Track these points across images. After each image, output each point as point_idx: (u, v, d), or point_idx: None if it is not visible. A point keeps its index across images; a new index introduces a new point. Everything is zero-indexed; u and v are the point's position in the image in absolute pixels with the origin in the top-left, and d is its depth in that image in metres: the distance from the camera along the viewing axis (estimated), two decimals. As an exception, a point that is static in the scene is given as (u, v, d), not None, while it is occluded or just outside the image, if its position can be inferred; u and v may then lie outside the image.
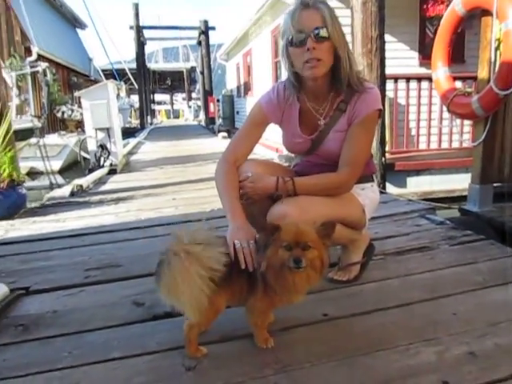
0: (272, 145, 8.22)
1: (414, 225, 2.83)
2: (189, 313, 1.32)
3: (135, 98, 23.86)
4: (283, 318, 1.64)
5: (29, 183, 4.75)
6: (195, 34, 21.86)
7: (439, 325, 1.58)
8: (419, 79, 5.83)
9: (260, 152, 8.11)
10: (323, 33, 1.63)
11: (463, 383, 1.26)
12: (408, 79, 5.83)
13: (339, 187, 1.79)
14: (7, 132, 3.87)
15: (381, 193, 2.08)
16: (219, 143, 10.80)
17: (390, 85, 5.40)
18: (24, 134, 6.94)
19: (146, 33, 22.03)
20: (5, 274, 2.33)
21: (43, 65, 10.63)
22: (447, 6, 4.60)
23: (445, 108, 3.54)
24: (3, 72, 4.78)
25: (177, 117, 37.10)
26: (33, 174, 8.42)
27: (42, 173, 8.35)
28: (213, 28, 21.21)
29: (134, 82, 22.29)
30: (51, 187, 6.44)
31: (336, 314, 1.70)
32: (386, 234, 2.64)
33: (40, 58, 12.50)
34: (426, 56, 6.70)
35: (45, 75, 10.44)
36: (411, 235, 2.62)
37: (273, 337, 1.50)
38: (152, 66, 31.43)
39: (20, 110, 9.82)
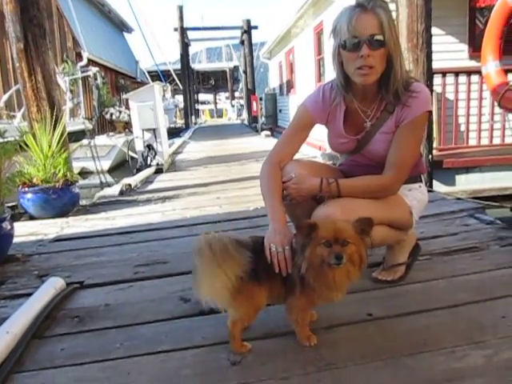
0: (315, 143, 8.16)
1: (462, 224, 2.74)
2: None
3: (180, 98, 24.40)
4: (327, 316, 1.66)
5: (80, 182, 4.97)
6: (238, 33, 22.05)
7: (487, 328, 1.54)
8: (469, 73, 5.60)
9: (303, 150, 8.09)
10: (379, 40, 1.58)
11: (513, 388, 1.23)
12: (457, 73, 5.61)
13: (384, 190, 1.76)
14: (62, 134, 4.07)
15: (428, 191, 2.03)
16: (262, 142, 10.86)
17: (437, 79, 5.23)
18: (77, 136, 7.27)
19: (190, 34, 22.46)
20: (61, 269, 2.47)
21: (94, 69, 11.11)
22: (499, -5, 4.40)
23: (496, 103, 3.39)
24: (57, 77, 5.04)
25: (220, 116, 37.49)
26: (84, 173, 8.83)
27: (92, 172, 8.72)
28: (255, 27, 21.27)
29: (179, 83, 22.77)
30: (101, 186, 6.71)
31: (380, 314, 1.69)
32: (433, 233, 2.58)
33: (90, 62, 13.07)
34: (476, 49, 6.42)
35: (95, 79, 10.90)
36: (459, 235, 2.54)
37: (316, 335, 1.51)
38: (196, 66, 31.98)
39: (72, 113, 10.30)
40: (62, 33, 12.36)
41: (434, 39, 4.32)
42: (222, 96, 41.43)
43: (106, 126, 13.31)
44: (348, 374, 1.34)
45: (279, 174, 1.77)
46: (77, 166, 7.22)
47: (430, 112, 1.75)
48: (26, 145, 3.90)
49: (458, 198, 3.55)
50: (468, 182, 5.48)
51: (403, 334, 1.55)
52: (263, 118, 17.12)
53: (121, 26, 21.38)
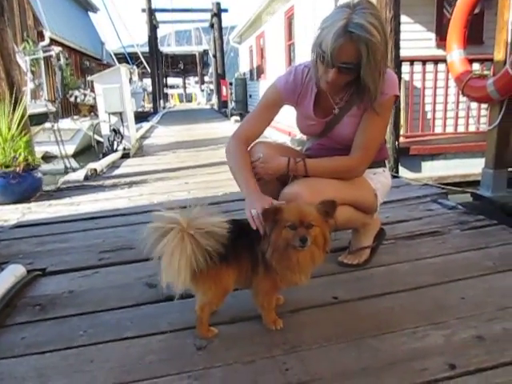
0: (285, 128, 8.18)
1: (426, 209, 2.81)
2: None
3: (148, 82, 23.83)
4: (294, 299, 1.67)
5: (44, 167, 4.80)
6: (208, 16, 21.61)
7: (447, 309, 1.59)
8: (436, 61, 5.70)
9: (272, 136, 8.09)
10: (349, 68, 1.57)
11: (470, 366, 1.28)
12: (424, 61, 5.71)
13: (350, 171, 1.79)
14: (22, 117, 3.91)
15: (393, 177, 2.07)
16: (232, 127, 10.78)
17: (405, 67, 5.30)
18: (39, 119, 7.01)
19: (159, 16, 21.83)
20: (22, 256, 2.39)
21: (56, 49, 10.66)
22: (465, -15, 4.47)
23: (460, 91, 3.48)
24: (17, 57, 4.81)
25: (189, 100, 36.96)
26: (47, 158, 8.54)
27: (56, 157, 8.45)
28: (225, 10, 20.90)
29: (147, 66, 22.22)
30: (66, 171, 6.51)
31: (345, 296, 1.72)
32: (398, 218, 2.64)
33: (52, 42, 12.57)
34: (443, 37, 6.50)
35: (58, 60, 10.47)
36: (422, 220, 2.61)
37: (282, 318, 1.53)
38: (165, 49, 31.27)
39: (34, 95, 9.90)
40: (21, 10, 11.75)
41: (402, 27, 4.36)
42: (192, 80, 40.82)
43: (70, 109, 12.87)
44: (313, 356, 1.36)
45: (247, 151, 1.79)
46: (40, 150, 6.98)
47: (397, 97, 1.77)
48: (-16, 127, 3.73)
49: (424, 184, 3.64)
50: (433, 169, 5.63)
51: (367, 316, 1.58)
52: (233, 103, 17.00)
53: (85, 5, 20.59)
